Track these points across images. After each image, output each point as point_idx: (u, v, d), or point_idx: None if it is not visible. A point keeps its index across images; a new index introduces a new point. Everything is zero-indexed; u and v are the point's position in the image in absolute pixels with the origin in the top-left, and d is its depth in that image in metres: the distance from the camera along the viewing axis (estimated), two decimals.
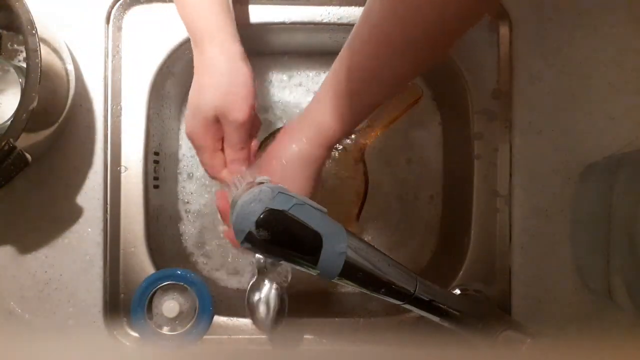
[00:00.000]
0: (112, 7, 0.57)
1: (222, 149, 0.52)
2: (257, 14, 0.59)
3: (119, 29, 0.58)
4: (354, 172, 0.66)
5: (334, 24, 0.59)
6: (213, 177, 0.54)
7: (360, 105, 0.46)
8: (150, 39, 0.58)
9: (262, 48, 0.67)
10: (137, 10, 0.58)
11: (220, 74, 0.49)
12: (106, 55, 0.57)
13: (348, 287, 0.67)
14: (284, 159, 0.48)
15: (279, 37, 0.63)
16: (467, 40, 0.59)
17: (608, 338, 0.56)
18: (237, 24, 0.58)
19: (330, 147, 0.48)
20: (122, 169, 0.58)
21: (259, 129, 0.56)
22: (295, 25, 0.60)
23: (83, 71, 0.56)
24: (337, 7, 0.59)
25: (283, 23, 0.59)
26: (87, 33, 0.56)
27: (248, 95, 0.50)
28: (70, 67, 0.52)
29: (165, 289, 0.56)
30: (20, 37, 0.54)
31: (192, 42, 0.51)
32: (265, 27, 0.60)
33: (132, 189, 0.58)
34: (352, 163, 0.66)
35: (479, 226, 0.59)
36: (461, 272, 0.59)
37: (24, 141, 0.46)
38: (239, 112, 0.49)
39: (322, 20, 0.59)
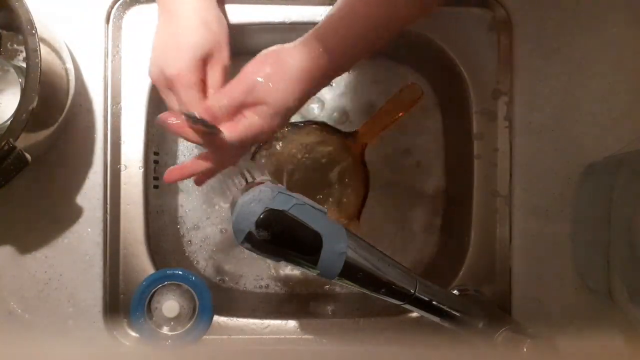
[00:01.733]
0: (112, 6, 0.57)
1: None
2: (257, 14, 0.59)
3: (119, 28, 0.58)
4: (354, 172, 0.66)
5: None
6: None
7: (358, 28, 0.46)
8: (150, 39, 0.58)
9: (261, 48, 0.67)
10: (137, 9, 0.58)
11: (200, 17, 0.48)
12: (106, 55, 0.57)
13: (348, 287, 0.67)
14: (280, 62, 0.46)
15: (278, 37, 0.63)
16: (467, 41, 0.59)
17: (608, 338, 0.56)
18: (238, 24, 0.58)
19: (327, 76, 0.48)
20: (122, 167, 0.58)
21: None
22: (295, 25, 0.60)
23: (83, 71, 0.56)
24: None
25: (283, 23, 0.59)
26: (87, 33, 0.57)
27: (227, 34, 0.50)
28: (70, 67, 0.52)
29: (165, 289, 0.56)
30: (20, 37, 0.54)
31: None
32: (265, 27, 0.60)
33: (132, 189, 0.58)
34: (352, 163, 0.66)
35: (479, 226, 0.59)
36: (461, 272, 0.59)
37: (23, 141, 0.46)
38: (225, 52, 0.49)
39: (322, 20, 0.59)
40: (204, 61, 0.48)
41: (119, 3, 0.57)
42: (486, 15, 0.59)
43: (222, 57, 0.49)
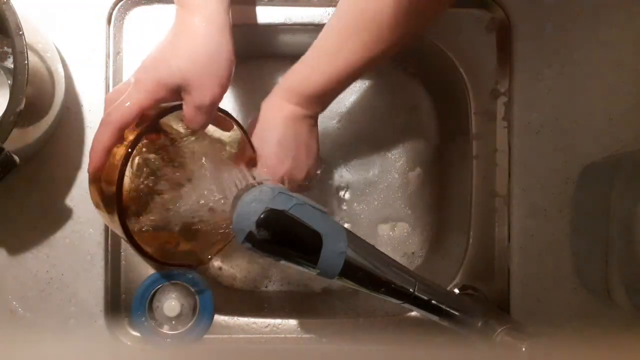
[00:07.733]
0: (113, 8, 0.57)
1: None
2: (257, 15, 0.59)
3: (120, 30, 0.58)
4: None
5: None
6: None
7: (343, 61, 0.48)
8: (151, 40, 0.58)
9: (261, 49, 0.67)
10: (138, 11, 0.58)
11: (202, 44, 0.44)
12: (107, 56, 0.57)
13: (348, 287, 0.67)
14: (288, 130, 0.49)
15: (278, 38, 0.64)
16: (466, 41, 0.59)
17: (606, 337, 0.56)
18: (238, 25, 0.58)
19: (320, 105, 0.51)
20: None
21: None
22: (294, 26, 0.60)
23: (84, 72, 0.56)
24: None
25: (283, 24, 0.59)
26: (88, 34, 0.57)
27: (223, 75, 0.45)
28: (60, 68, 0.52)
29: (166, 289, 0.57)
30: (9, 39, 0.54)
31: (177, 2, 0.47)
32: (265, 28, 0.60)
33: None
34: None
35: (478, 226, 0.59)
36: (460, 272, 0.59)
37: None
38: (208, 91, 0.45)
39: (322, 21, 0.59)
40: (174, 91, 0.45)
41: (120, 4, 0.57)
42: (485, 16, 0.59)
43: (203, 95, 0.45)
